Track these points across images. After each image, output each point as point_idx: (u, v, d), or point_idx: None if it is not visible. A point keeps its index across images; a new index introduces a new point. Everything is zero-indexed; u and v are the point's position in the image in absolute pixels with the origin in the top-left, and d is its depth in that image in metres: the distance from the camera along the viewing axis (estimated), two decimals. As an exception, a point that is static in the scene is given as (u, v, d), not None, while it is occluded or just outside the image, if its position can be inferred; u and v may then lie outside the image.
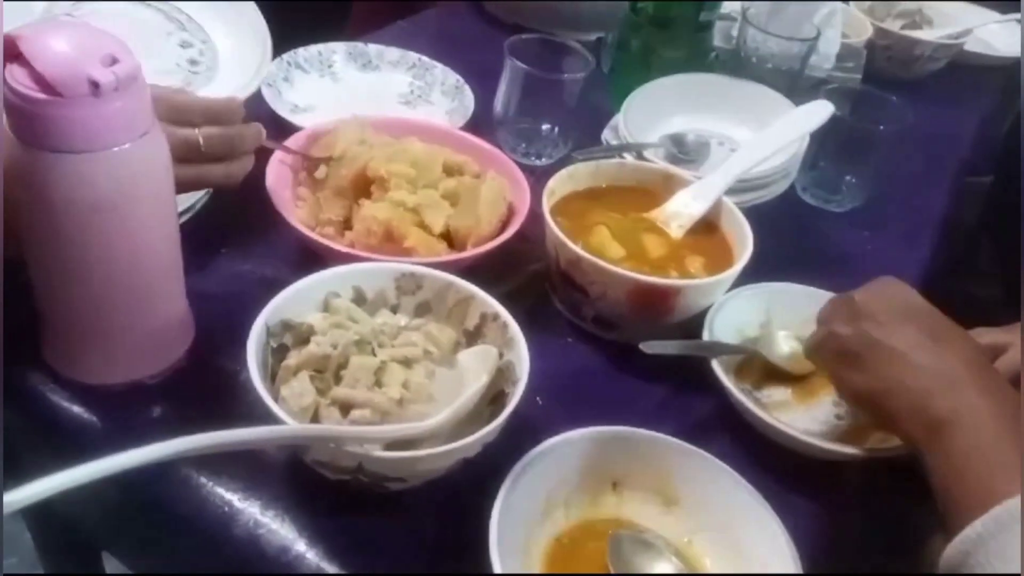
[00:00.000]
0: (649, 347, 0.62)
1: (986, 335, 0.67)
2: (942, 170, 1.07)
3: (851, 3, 1.24)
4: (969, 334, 0.57)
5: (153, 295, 0.54)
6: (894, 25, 1.25)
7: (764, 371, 0.67)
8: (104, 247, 0.50)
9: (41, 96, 0.44)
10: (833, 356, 0.58)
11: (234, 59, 0.80)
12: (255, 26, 0.81)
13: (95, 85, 0.45)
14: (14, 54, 0.45)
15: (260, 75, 0.78)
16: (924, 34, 1.25)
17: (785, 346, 0.67)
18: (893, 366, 0.53)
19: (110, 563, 0.89)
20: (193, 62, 0.78)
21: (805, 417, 0.64)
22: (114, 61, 0.46)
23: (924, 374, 0.52)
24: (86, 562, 0.90)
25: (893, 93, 0.90)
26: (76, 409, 0.56)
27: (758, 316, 0.70)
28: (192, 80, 0.76)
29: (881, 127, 0.84)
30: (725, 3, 0.96)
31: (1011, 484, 0.44)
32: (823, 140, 0.85)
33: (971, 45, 1.28)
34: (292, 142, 0.73)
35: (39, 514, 0.80)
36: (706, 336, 0.65)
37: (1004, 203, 1.46)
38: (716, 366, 0.62)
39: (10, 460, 0.52)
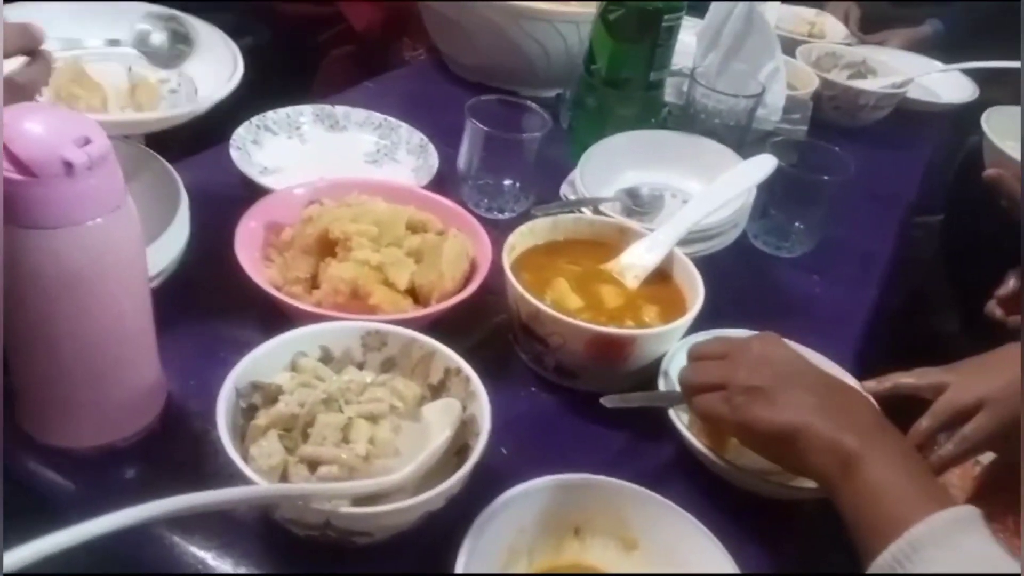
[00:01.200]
0: (610, 401, 0.64)
1: (927, 375, 0.70)
2: (889, 212, 1.11)
3: (798, 57, 1.30)
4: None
5: (125, 362, 0.56)
6: (840, 76, 1.31)
7: (720, 415, 0.70)
8: (76, 318, 0.52)
9: (17, 177, 0.47)
10: (740, 394, 0.59)
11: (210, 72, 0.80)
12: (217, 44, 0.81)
13: (69, 165, 0.47)
14: (-9, 137, 0.47)
15: (236, 76, 0.78)
16: (868, 84, 1.31)
17: (739, 390, 0.69)
18: (803, 406, 0.57)
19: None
20: (173, 92, 0.80)
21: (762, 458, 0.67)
22: (87, 141, 0.48)
23: (834, 415, 0.56)
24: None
25: (840, 140, 0.94)
26: (50, 473, 0.57)
27: (712, 361, 0.72)
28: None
29: (825, 177, 0.89)
30: (676, 59, 1.00)
31: (918, 512, 0.49)
32: (771, 189, 0.89)
33: (914, 93, 1.35)
34: (262, 208, 0.76)
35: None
36: (662, 381, 0.68)
37: (956, 239, 1.51)
38: (672, 414, 0.65)
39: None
